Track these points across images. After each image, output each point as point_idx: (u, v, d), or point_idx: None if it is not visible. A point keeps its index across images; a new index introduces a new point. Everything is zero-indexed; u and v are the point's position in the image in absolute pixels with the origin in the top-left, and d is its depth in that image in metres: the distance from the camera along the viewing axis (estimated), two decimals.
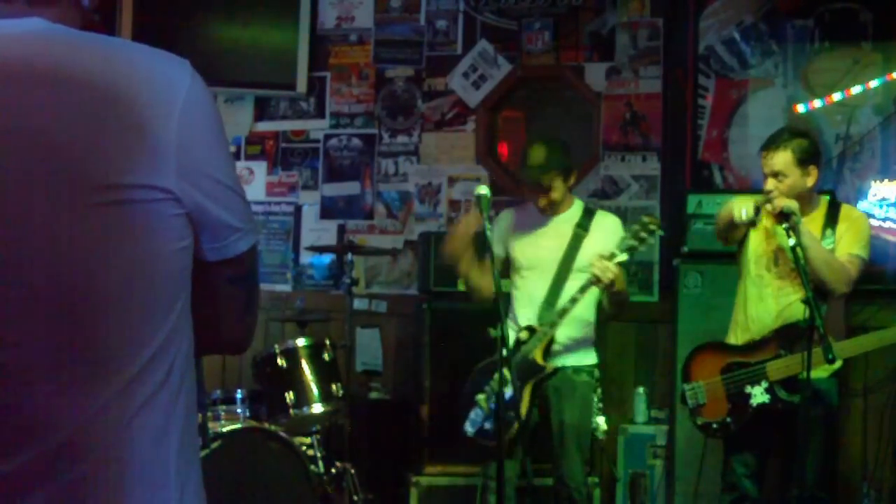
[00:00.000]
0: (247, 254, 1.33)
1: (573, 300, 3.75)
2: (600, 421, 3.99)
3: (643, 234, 3.69)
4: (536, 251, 3.94)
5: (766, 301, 3.77)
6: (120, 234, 1.18)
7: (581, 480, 3.92)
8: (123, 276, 1.19)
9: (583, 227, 3.91)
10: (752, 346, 3.75)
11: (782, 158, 3.63)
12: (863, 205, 4.55)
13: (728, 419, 3.78)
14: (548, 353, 3.83)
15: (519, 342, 3.83)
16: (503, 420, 3.50)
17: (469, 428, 3.85)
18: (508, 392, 3.60)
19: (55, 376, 1.17)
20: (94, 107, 1.18)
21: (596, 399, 3.98)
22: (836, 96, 4.81)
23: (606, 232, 3.90)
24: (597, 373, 3.99)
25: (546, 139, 4.02)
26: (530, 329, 3.85)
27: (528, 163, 3.90)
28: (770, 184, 3.65)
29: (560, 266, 3.88)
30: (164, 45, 1.28)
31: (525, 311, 3.92)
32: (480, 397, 3.84)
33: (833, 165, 4.79)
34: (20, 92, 1.17)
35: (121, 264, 1.19)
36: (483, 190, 3.57)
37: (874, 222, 4.33)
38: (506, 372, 3.54)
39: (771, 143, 3.70)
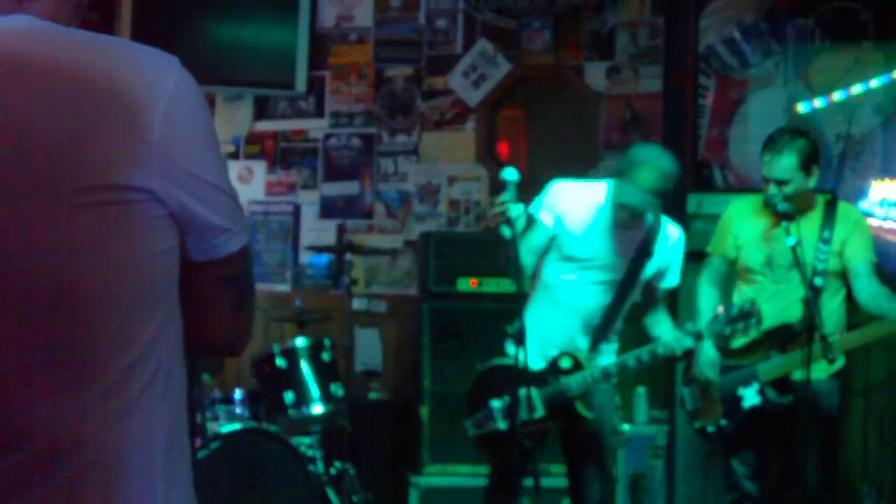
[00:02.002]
0: (237, 254, 1.30)
1: (639, 361, 3.39)
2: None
3: (740, 327, 3.35)
4: (600, 250, 3.41)
5: (763, 303, 3.76)
6: (102, 235, 1.16)
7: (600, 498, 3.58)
8: (105, 278, 1.17)
9: (650, 243, 3.43)
10: (746, 348, 3.74)
11: (786, 164, 3.56)
12: (863, 204, 4.53)
13: (723, 422, 3.77)
14: (588, 396, 3.43)
15: (558, 369, 3.41)
16: (520, 446, 3.20)
17: (472, 428, 3.53)
18: (532, 415, 3.36)
19: (37, 379, 1.15)
20: (78, 105, 1.15)
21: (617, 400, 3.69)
22: (838, 95, 4.80)
23: (673, 251, 3.53)
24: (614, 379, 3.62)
25: (658, 155, 3.32)
26: (575, 360, 3.42)
27: (636, 181, 3.24)
28: (772, 188, 3.61)
29: (623, 282, 3.44)
30: (163, 44, 1.25)
31: (566, 314, 3.48)
32: (497, 406, 3.45)
33: (834, 165, 4.78)
34: (3, 89, 1.15)
35: (103, 266, 1.17)
36: (511, 175, 3.05)
37: (875, 222, 4.31)
38: (533, 394, 3.36)
39: (773, 147, 3.61)
